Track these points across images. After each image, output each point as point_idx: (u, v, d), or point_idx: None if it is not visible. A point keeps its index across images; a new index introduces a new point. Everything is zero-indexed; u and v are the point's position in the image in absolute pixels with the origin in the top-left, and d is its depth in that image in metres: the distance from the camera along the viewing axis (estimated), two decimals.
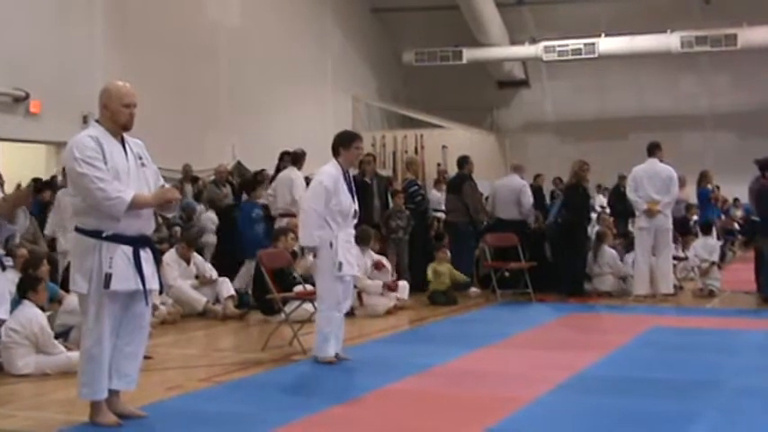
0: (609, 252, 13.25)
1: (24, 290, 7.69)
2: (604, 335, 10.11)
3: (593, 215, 16.21)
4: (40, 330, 7.47)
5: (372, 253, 11.70)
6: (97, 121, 5.75)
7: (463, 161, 13.87)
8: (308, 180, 11.45)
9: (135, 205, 5.53)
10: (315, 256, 7.89)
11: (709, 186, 18.29)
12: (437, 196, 15.75)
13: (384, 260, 11.93)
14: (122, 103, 5.67)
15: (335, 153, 8.02)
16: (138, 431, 5.62)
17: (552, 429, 5.81)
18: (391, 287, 11.50)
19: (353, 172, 9.08)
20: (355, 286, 10.61)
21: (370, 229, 11.69)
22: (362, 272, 11.13)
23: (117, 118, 5.67)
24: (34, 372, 7.35)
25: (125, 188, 5.52)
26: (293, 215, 11.98)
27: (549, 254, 13.45)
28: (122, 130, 5.72)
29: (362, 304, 11.15)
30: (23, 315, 7.48)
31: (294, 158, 13.18)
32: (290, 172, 12.89)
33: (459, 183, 13.68)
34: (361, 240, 11.29)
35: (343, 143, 8.01)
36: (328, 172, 7.86)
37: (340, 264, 7.73)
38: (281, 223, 12.39)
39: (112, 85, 5.76)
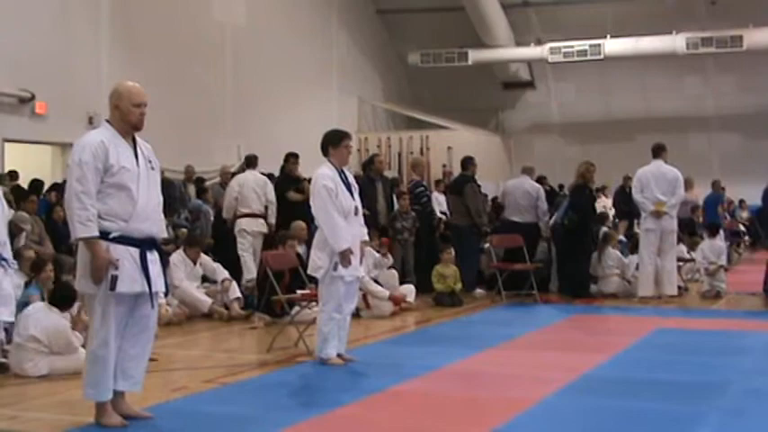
0: (614, 253, 13.23)
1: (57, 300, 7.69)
2: (610, 336, 10.10)
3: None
4: (66, 341, 7.44)
5: (373, 251, 11.66)
6: (108, 121, 5.76)
7: (467, 162, 13.83)
8: (308, 181, 11.42)
9: (87, 244, 5.50)
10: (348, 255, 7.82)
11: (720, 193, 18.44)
12: (438, 198, 15.75)
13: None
14: (133, 103, 5.68)
15: (325, 153, 8.00)
16: None
17: (557, 431, 5.81)
18: (397, 300, 11.46)
19: (352, 172, 9.06)
20: (360, 289, 10.65)
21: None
22: (367, 272, 11.12)
23: (128, 118, 5.68)
24: (47, 373, 7.32)
25: (95, 221, 5.47)
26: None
27: (553, 255, 13.48)
28: (133, 130, 5.73)
29: (368, 307, 11.12)
30: (49, 326, 7.43)
31: (248, 161, 13.35)
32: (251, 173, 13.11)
33: (462, 184, 13.65)
34: None
35: (332, 142, 7.99)
36: (324, 173, 7.84)
37: (336, 264, 7.71)
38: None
39: (123, 86, 5.77)
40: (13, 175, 14.02)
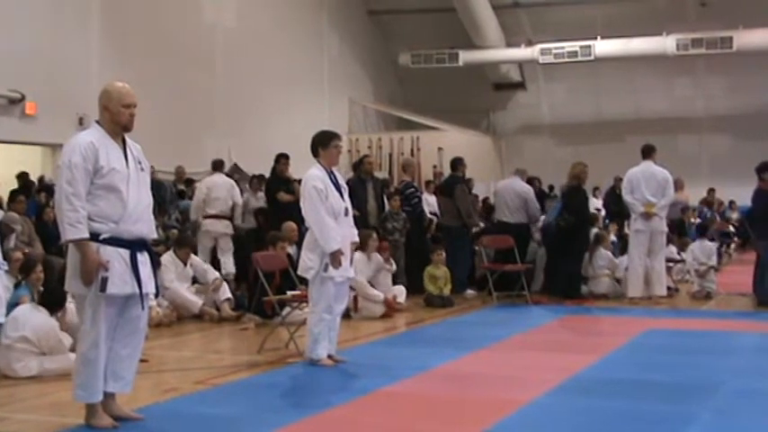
0: (605, 254, 13.24)
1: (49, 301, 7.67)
2: (600, 337, 10.12)
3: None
4: (56, 341, 7.43)
5: (378, 256, 11.65)
6: (97, 122, 5.74)
7: (457, 163, 13.84)
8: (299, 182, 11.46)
9: (77, 245, 5.47)
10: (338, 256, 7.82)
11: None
12: (428, 199, 15.77)
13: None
14: (122, 104, 5.66)
15: (315, 154, 8.01)
16: None
17: (548, 431, 5.81)
18: (391, 304, 11.41)
19: (344, 173, 9.06)
20: (352, 288, 10.65)
21: (368, 232, 11.68)
22: (365, 277, 11.13)
23: (117, 119, 5.66)
24: (37, 374, 7.30)
25: (85, 224, 5.46)
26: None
27: (538, 256, 13.50)
28: (123, 131, 5.71)
29: (357, 309, 11.11)
30: (39, 325, 7.40)
31: (215, 165, 14.06)
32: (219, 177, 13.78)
33: (452, 185, 13.65)
34: (360, 244, 11.34)
35: (321, 143, 7.99)
36: (314, 174, 7.84)
37: (326, 265, 7.71)
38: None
39: (112, 86, 5.75)
40: (23, 176, 14.05)
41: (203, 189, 13.51)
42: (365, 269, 11.23)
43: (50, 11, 14.93)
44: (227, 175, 14.60)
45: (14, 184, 13.69)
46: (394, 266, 12.16)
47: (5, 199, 12.31)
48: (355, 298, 10.99)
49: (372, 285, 11.37)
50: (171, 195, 15.25)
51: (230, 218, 13.41)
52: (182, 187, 15.88)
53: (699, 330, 10.29)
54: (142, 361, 6.17)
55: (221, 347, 9.66)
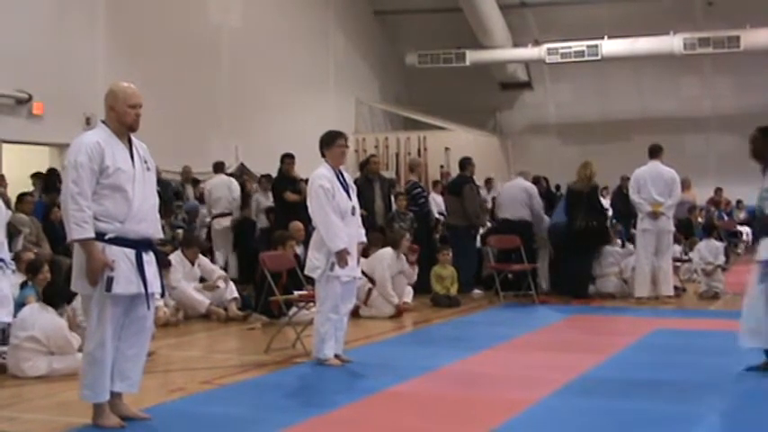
0: (612, 250, 13.18)
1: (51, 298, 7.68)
2: (608, 337, 10.09)
3: None
4: (65, 341, 7.45)
5: (404, 259, 11.66)
6: (103, 121, 5.75)
7: (465, 162, 13.82)
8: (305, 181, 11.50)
9: (83, 245, 5.48)
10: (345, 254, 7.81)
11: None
12: (435, 199, 15.78)
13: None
14: (128, 104, 5.68)
15: (322, 155, 8.05)
16: None
17: (555, 431, 5.80)
18: (400, 310, 11.39)
19: (351, 173, 9.09)
20: (372, 281, 10.70)
21: (402, 233, 11.75)
22: (390, 273, 11.19)
23: (123, 119, 5.68)
24: (46, 374, 7.31)
25: (91, 223, 5.47)
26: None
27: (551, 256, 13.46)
28: (129, 131, 5.73)
29: (368, 303, 11.12)
30: (47, 325, 7.42)
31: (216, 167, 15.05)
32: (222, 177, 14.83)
33: (460, 185, 13.63)
34: (392, 245, 11.42)
35: (326, 144, 8.02)
36: (321, 174, 7.86)
37: (333, 264, 7.72)
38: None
39: (118, 87, 5.77)
40: (40, 174, 14.07)
41: (205, 192, 14.62)
42: (393, 266, 11.28)
43: (57, 11, 14.94)
44: (229, 174, 14.93)
45: (23, 184, 13.70)
46: (415, 276, 12.16)
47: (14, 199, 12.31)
48: (369, 291, 11.01)
49: None
50: (176, 195, 15.31)
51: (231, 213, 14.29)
52: (179, 188, 15.90)
53: (706, 330, 10.26)
54: (148, 354, 6.16)
55: (228, 347, 9.68)
